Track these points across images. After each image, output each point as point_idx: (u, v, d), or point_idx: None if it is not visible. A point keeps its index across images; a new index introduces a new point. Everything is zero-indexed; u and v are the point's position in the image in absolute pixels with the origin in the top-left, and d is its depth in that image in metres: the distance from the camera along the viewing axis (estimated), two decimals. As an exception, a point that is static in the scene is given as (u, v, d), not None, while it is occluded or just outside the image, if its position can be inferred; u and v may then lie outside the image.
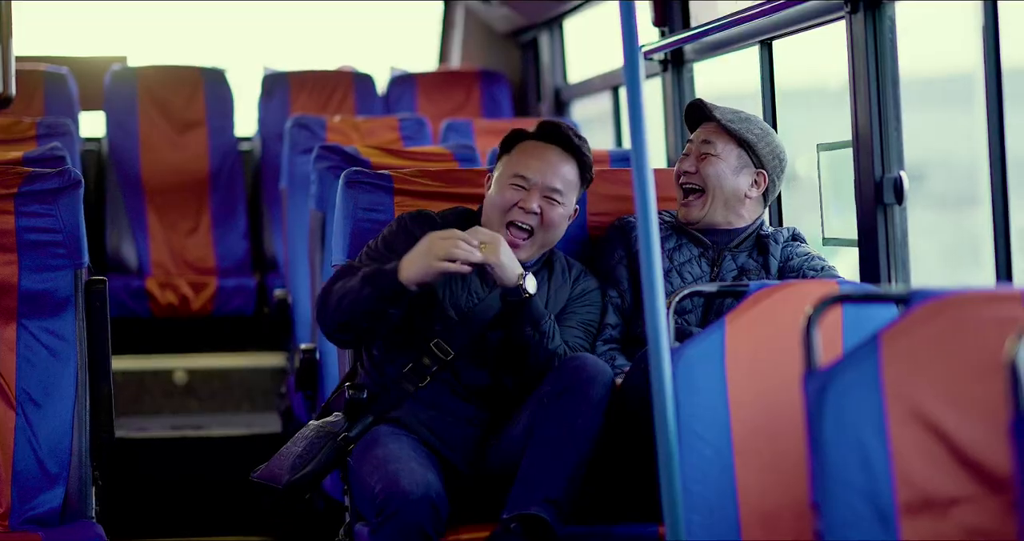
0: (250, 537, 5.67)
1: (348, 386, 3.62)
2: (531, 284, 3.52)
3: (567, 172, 3.67)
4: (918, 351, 2.43)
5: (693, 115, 3.94)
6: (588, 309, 3.75)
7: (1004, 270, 3.25)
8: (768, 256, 3.83)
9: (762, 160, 3.85)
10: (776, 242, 3.86)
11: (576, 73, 6.85)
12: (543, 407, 3.42)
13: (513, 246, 3.58)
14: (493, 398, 3.64)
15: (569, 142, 3.68)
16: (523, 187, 3.64)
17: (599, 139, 6.49)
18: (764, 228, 3.91)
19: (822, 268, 3.78)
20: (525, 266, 3.60)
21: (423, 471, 3.36)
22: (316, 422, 3.69)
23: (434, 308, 3.61)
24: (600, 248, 3.94)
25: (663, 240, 3.85)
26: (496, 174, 3.70)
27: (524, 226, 3.63)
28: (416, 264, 3.44)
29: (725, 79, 5.27)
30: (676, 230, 3.90)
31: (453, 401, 3.61)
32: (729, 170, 3.83)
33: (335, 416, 3.68)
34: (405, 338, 3.63)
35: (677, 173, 3.88)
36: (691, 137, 3.90)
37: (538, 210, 3.62)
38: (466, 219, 3.73)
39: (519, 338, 3.55)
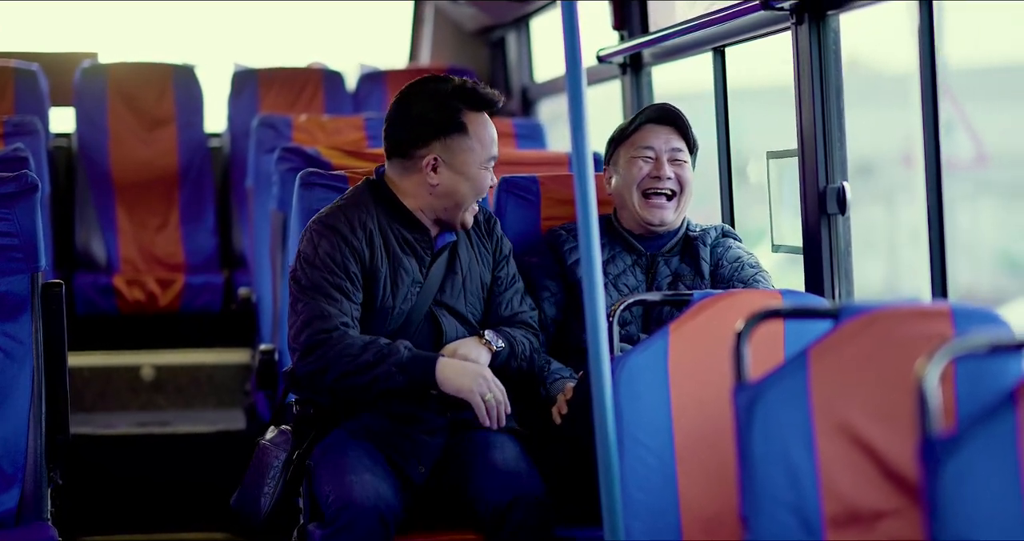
0: (212, 534, 5.70)
1: (296, 401, 3.66)
2: (496, 343, 3.64)
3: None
4: (846, 366, 2.47)
5: (654, 119, 3.93)
6: (510, 264, 3.83)
7: (939, 278, 3.25)
8: (699, 259, 3.86)
9: (694, 161, 3.93)
10: (704, 244, 3.89)
11: (543, 72, 6.87)
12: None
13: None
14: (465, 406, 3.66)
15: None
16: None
17: (566, 141, 6.50)
18: (691, 227, 3.95)
19: (752, 278, 3.81)
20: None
21: (376, 482, 3.43)
22: (269, 442, 3.73)
23: (382, 311, 3.64)
24: (529, 262, 3.95)
25: None
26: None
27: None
28: (458, 383, 3.50)
29: (666, 79, 5.31)
30: (609, 237, 3.91)
31: (424, 410, 3.63)
32: (691, 173, 3.89)
33: (284, 431, 3.72)
34: None
35: (642, 177, 3.87)
36: (651, 143, 3.88)
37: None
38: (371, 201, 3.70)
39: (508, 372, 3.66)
